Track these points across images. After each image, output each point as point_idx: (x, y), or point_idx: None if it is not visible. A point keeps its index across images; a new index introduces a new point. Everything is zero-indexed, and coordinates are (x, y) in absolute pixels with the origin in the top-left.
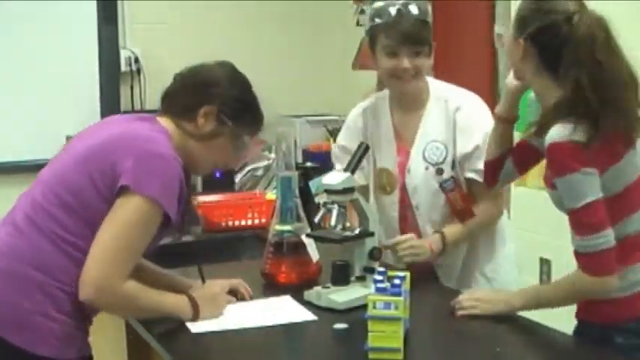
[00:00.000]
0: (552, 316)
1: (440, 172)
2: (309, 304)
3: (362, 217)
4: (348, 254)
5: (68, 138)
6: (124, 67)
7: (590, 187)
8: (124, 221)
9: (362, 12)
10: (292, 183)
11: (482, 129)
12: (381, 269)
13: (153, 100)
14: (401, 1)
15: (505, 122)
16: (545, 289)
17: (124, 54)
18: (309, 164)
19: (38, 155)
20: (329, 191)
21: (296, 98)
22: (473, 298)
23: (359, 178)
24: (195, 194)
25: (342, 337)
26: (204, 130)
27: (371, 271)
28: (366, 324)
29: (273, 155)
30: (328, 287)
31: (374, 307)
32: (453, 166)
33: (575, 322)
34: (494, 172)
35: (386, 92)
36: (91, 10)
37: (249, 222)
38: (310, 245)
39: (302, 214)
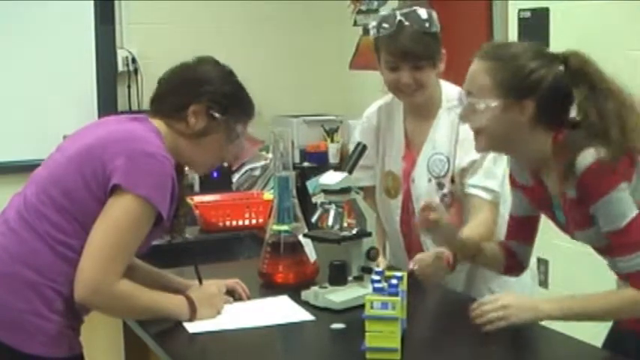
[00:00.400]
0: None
1: (440, 186)
2: (306, 304)
3: (359, 217)
4: (346, 254)
5: (65, 138)
6: (121, 67)
7: (629, 203)
8: (116, 220)
9: (359, 12)
10: (289, 183)
11: None
12: (379, 269)
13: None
14: (405, 10)
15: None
16: (585, 301)
17: (121, 54)
18: (306, 164)
19: (35, 155)
20: (326, 191)
21: (293, 98)
22: (499, 307)
23: (367, 179)
24: (191, 195)
25: (339, 337)
26: (195, 129)
27: (368, 271)
28: (364, 324)
29: (270, 155)
30: (325, 287)
31: (371, 307)
32: (453, 181)
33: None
34: (515, 265)
35: None
36: (88, 10)
37: (247, 222)
38: (307, 245)
39: (299, 214)
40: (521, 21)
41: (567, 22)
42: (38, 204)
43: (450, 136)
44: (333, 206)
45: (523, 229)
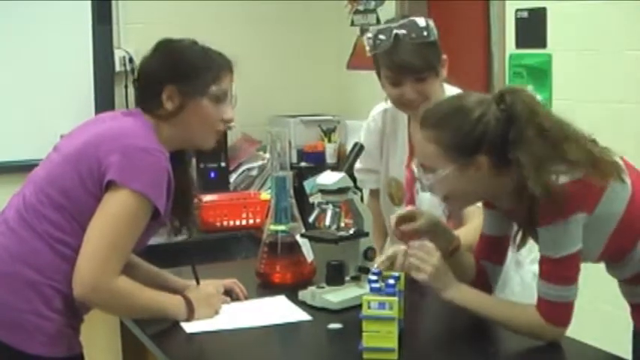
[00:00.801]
0: None
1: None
2: (303, 304)
3: (356, 217)
4: (343, 254)
5: (62, 138)
6: (118, 67)
7: (575, 236)
8: (112, 216)
9: (356, 12)
10: (287, 183)
11: None
12: (376, 269)
13: None
14: (400, 21)
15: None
16: (493, 305)
17: (118, 54)
18: (303, 164)
19: (33, 155)
20: (323, 191)
21: (290, 98)
22: (427, 262)
23: (371, 182)
24: (198, 194)
25: (336, 337)
26: (175, 107)
27: (366, 271)
28: (361, 324)
29: (267, 155)
30: (323, 287)
31: (368, 307)
32: None
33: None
34: (483, 283)
35: None
36: (85, 10)
37: (244, 222)
38: (305, 245)
39: (297, 214)
40: (519, 21)
41: (564, 22)
42: (37, 203)
43: None
44: (331, 206)
45: (494, 249)
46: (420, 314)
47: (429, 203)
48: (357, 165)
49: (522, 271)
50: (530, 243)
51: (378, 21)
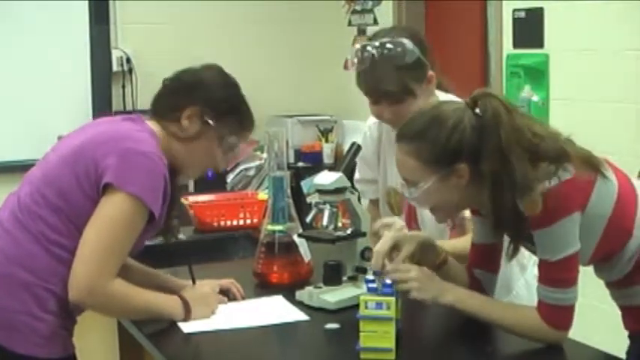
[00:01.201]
0: None
1: None
2: (300, 304)
3: (354, 216)
4: (340, 254)
5: (60, 138)
6: (115, 67)
7: (572, 236)
8: (108, 219)
9: (354, 12)
10: (284, 183)
11: None
12: (376, 270)
13: (144, 100)
14: (381, 40)
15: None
16: (493, 307)
17: (115, 54)
18: (300, 164)
19: (30, 155)
20: (321, 191)
21: (288, 98)
22: (409, 277)
23: (371, 193)
24: (185, 194)
25: (333, 337)
26: (188, 132)
27: (363, 271)
28: (358, 324)
29: (265, 155)
30: (320, 287)
31: (366, 307)
32: None
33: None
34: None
35: None
36: (83, 10)
37: (241, 222)
38: (302, 245)
39: (294, 214)
40: (516, 21)
41: (562, 22)
42: (32, 204)
43: None
44: (328, 206)
45: (487, 258)
46: (417, 314)
47: (428, 216)
48: (356, 176)
49: (526, 274)
50: None
51: (376, 21)
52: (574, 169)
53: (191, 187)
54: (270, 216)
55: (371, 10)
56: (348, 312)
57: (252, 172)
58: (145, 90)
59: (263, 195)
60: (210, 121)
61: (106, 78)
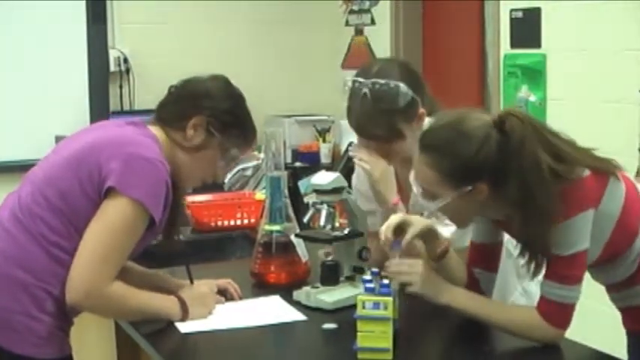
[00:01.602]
0: None
1: None
2: (298, 304)
3: (351, 216)
4: (338, 254)
5: (57, 138)
6: (113, 67)
7: (584, 233)
8: (109, 223)
9: (351, 12)
10: (281, 183)
11: None
12: (374, 269)
13: (142, 100)
14: (372, 80)
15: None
16: (491, 306)
17: (113, 54)
18: (298, 164)
19: (27, 155)
20: (318, 191)
21: (285, 98)
22: (411, 271)
23: (369, 225)
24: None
25: (331, 337)
26: (192, 142)
27: (360, 270)
28: (356, 324)
29: (262, 155)
30: (317, 287)
31: (363, 307)
32: None
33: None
34: (476, 292)
35: None
36: (80, 10)
37: (239, 222)
38: (299, 245)
39: (291, 214)
40: (513, 21)
41: (559, 22)
42: (33, 205)
43: None
44: (325, 206)
45: (486, 257)
46: (414, 314)
47: None
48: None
49: (524, 282)
50: None
51: (373, 21)
52: (595, 166)
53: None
54: (267, 216)
55: (368, 10)
56: (346, 312)
57: (249, 172)
58: (142, 90)
59: (260, 195)
60: (215, 133)
61: (103, 78)
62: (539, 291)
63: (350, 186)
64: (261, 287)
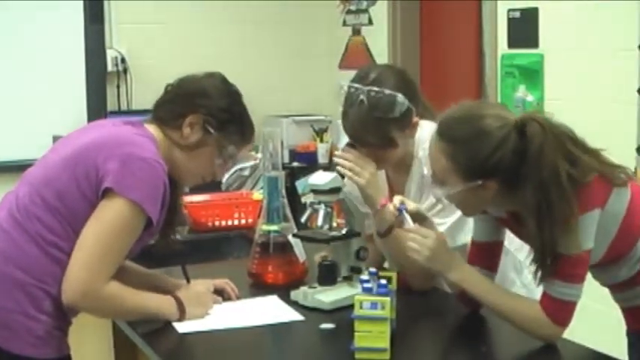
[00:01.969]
0: None
1: None
2: (295, 304)
3: (349, 216)
4: (335, 254)
5: (55, 138)
6: (110, 67)
7: (590, 233)
8: (106, 224)
9: (349, 12)
10: (279, 183)
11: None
12: (372, 269)
13: (139, 100)
14: (371, 88)
15: None
16: (497, 292)
17: (110, 54)
18: (295, 164)
19: (25, 155)
20: (316, 191)
21: (283, 98)
22: (423, 244)
23: (366, 227)
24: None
25: (328, 337)
26: (189, 140)
27: (358, 270)
28: (353, 324)
29: (259, 155)
30: (315, 287)
31: (360, 307)
32: None
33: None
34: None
35: None
36: (78, 10)
37: (236, 222)
38: (297, 245)
39: (289, 214)
40: (511, 21)
41: (557, 22)
42: (30, 205)
43: (419, 186)
44: (323, 206)
45: (486, 255)
46: (412, 314)
47: None
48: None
49: (522, 276)
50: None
51: (370, 21)
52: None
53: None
54: (264, 216)
55: (366, 10)
56: (343, 312)
57: (247, 172)
58: (139, 90)
59: (258, 195)
60: (212, 130)
61: (100, 78)
62: (543, 287)
63: None
64: (259, 287)
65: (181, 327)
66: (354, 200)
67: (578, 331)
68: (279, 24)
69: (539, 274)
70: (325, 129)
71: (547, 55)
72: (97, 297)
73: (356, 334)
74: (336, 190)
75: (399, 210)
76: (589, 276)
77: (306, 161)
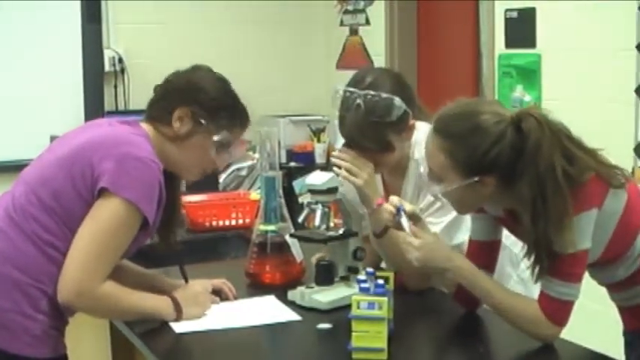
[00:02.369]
0: None
1: None
2: (293, 304)
3: (346, 216)
4: (332, 254)
5: (52, 138)
6: (107, 67)
7: (587, 233)
8: (102, 224)
9: (346, 12)
10: (276, 183)
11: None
12: (370, 269)
13: (136, 100)
14: (368, 92)
15: None
16: (496, 288)
17: (107, 54)
18: (293, 164)
19: (22, 155)
20: (313, 191)
21: (280, 98)
22: (413, 245)
23: (362, 228)
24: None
25: (326, 337)
26: (180, 132)
27: (355, 271)
28: (350, 324)
29: (257, 155)
30: (312, 287)
31: (358, 307)
32: None
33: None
34: (465, 295)
35: None
36: (75, 10)
37: (233, 222)
38: (294, 245)
39: (286, 214)
40: (508, 21)
41: (554, 22)
42: (26, 204)
43: (416, 187)
44: (320, 206)
45: (484, 255)
46: (409, 314)
47: None
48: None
49: (519, 270)
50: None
51: (367, 21)
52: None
53: (183, 187)
54: (262, 216)
55: (363, 10)
56: (340, 312)
57: (244, 172)
58: (136, 90)
59: (255, 195)
60: (202, 120)
61: (98, 78)
62: (540, 287)
63: None
64: (256, 287)
65: (178, 327)
66: (351, 201)
67: (575, 331)
68: (276, 24)
69: (536, 271)
70: (322, 129)
71: (544, 55)
72: (93, 297)
73: (353, 334)
74: (333, 190)
75: (398, 210)
76: (586, 275)
77: (303, 161)
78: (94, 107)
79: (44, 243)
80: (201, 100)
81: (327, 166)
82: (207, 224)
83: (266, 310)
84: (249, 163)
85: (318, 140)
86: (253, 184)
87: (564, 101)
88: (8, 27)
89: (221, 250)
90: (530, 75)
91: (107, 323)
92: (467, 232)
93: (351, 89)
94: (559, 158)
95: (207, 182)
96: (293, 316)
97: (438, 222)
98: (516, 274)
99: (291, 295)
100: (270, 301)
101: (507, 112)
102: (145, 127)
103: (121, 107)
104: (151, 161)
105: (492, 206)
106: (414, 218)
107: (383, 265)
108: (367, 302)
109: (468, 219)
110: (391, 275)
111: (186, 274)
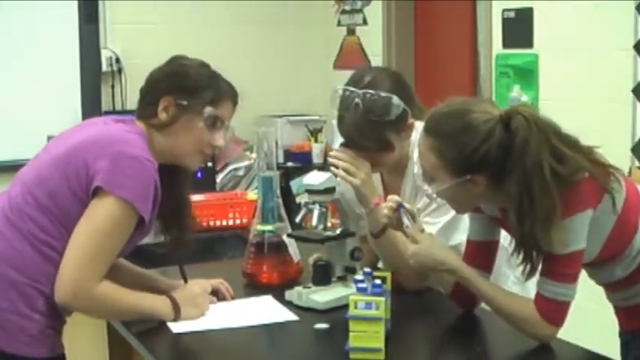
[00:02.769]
0: None
1: None
2: (290, 304)
3: (343, 216)
4: (330, 254)
5: (49, 138)
6: (105, 67)
7: (581, 234)
8: (97, 223)
9: (343, 12)
10: (273, 183)
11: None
12: (367, 269)
13: (134, 100)
14: (367, 91)
15: None
16: (493, 287)
17: (104, 54)
18: (290, 164)
19: (19, 155)
20: (310, 191)
21: (277, 98)
22: (412, 249)
23: (360, 229)
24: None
25: (323, 337)
26: (167, 120)
27: (352, 271)
28: (347, 324)
29: (254, 155)
30: (309, 287)
31: (355, 307)
32: None
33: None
34: (461, 295)
35: None
36: (72, 10)
37: (231, 222)
38: (291, 245)
39: (283, 214)
40: (505, 21)
41: (551, 22)
42: (23, 204)
43: (414, 187)
44: (317, 206)
45: (482, 255)
46: (407, 314)
47: None
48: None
49: (516, 271)
50: None
51: (365, 21)
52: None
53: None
54: (259, 216)
55: (360, 10)
56: (338, 312)
57: (241, 172)
58: (134, 90)
59: (252, 195)
60: (184, 102)
61: (95, 78)
62: (536, 287)
63: None
64: (254, 287)
65: (176, 327)
66: (348, 201)
67: (572, 331)
68: (273, 24)
69: (526, 269)
70: (320, 129)
71: (542, 55)
72: (89, 297)
73: (350, 334)
74: (330, 190)
75: (398, 207)
76: (584, 275)
77: (300, 161)
78: (91, 107)
79: (41, 243)
80: (181, 85)
81: (324, 166)
82: (205, 224)
83: (263, 310)
84: (246, 163)
85: (316, 140)
86: (250, 184)
87: (561, 101)
88: (5, 27)
89: (218, 250)
90: (527, 75)
91: (104, 323)
92: (464, 232)
93: (350, 88)
94: (547, 157)
95: (205, 182)
96: (290, 316)
97: (435, 222)
98: (513, 274)
99: (289, 295)
100: (267, 301)
101: (497, 110)
102: (138, 124)
103: (119, 107)
104: (146, 160)
105: (487, 206)
106: (412, 218)
107: (380, 265)
108: (364, 302)
109: (465, 219)
110: (388, 275)
111: (186, 274)
